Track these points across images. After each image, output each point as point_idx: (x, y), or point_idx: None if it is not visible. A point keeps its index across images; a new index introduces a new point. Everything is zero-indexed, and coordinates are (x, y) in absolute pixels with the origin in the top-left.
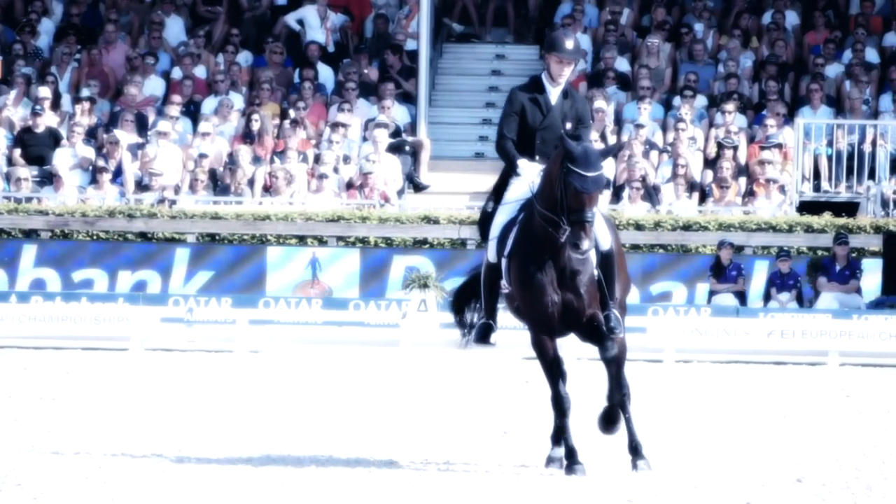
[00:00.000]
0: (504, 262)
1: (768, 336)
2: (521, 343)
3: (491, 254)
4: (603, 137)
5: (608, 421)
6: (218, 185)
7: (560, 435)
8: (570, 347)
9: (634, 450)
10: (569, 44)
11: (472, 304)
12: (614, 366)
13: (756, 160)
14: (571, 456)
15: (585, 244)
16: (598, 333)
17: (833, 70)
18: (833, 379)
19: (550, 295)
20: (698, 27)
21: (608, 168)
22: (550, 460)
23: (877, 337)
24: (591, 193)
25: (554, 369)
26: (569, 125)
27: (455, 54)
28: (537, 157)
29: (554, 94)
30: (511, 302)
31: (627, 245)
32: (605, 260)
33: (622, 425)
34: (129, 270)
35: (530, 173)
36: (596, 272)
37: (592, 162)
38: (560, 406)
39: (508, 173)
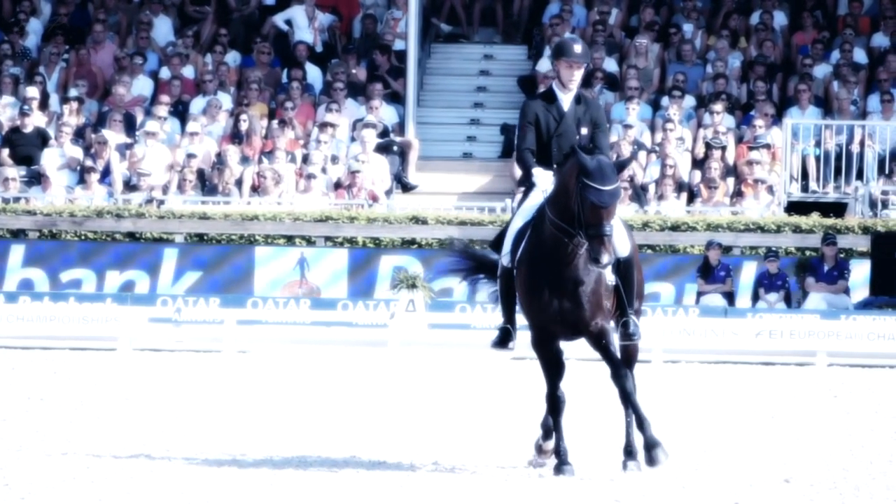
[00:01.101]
0: (515, 269)
1: (756, 336)
2: None
3: (505, 258)
4: None
5: (649, 448)
6: (206, 185)
7: (550, 432)
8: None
9: (629, 452)
10: (577, 48)
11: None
12: (626, 377)
13: (744, 160)
14: (561, 456)
15: (605, 258)
16: (610, 357)
17: (821, 70)
18: (821, 379)
19: (553, 303)
20: (687, 27)
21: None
22: (541, 450)
23: (865, 337)
24: (609, 207)
25: (552, 369)
26: (584, 130)
27: (443, 54)
28: (555, 165)
29: (566, 100)
30: (521, 305)
31: None
32: (625, 266)
33: (665, 455)
34: (117, 270)
35: (544, 181)
36: (613, 278)
37: (608, 175)
38: (554, 405)
39: (531, 185)
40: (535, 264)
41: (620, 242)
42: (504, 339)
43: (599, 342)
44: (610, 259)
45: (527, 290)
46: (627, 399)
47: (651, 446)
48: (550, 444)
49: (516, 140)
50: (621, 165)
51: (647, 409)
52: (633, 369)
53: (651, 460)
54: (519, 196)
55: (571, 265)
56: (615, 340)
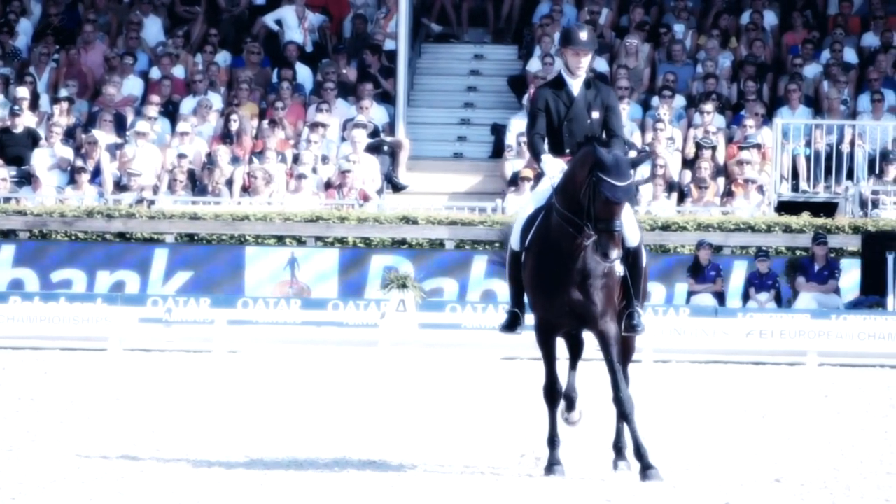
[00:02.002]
0: (524, 254)
1: (747, 336)
2: (500, 343)
3: (514, 242)
4: None
5: (644, 470)
6: (196, 185)
7: (573, 403)
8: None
9: (619, 450)
10: (583, 35)
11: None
12: (627, 402)
13: (734, 160)
14: (553, 449)
15: (614, 253)
16: (613, 372)
17: (811, 70)
18: (811, 379)
19: (560, 295)
20: (677, 27)
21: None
22: (568, 422)
23: (855, 337)
24: (621, 202)
25: (552, 360)
26: (595, 114)
27: (433, 54)
28: (567, 150)
29: (575, 85)
30: (527, 295)
31: None
32: (633, 256)
33: (660, 479)
34: (108, 270)
35: (553, 169)
36: (622, 269)
37: (623, 171)
38: (550, 396)
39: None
40: (542, 254)
41: (631, 232)
42: (512, 322)
43: (605, 343)
44: (618, 254)
45: (533, 282)
46: (627, 423)
47: (646, 468)
48: (575, 415)
49: (527, 127)
50: (636, 162)
51: (639, 409)
52: (629, 362)
53: (644, 476)
54: (510, 195)
55: (578, 258)
56: (620, 338)
